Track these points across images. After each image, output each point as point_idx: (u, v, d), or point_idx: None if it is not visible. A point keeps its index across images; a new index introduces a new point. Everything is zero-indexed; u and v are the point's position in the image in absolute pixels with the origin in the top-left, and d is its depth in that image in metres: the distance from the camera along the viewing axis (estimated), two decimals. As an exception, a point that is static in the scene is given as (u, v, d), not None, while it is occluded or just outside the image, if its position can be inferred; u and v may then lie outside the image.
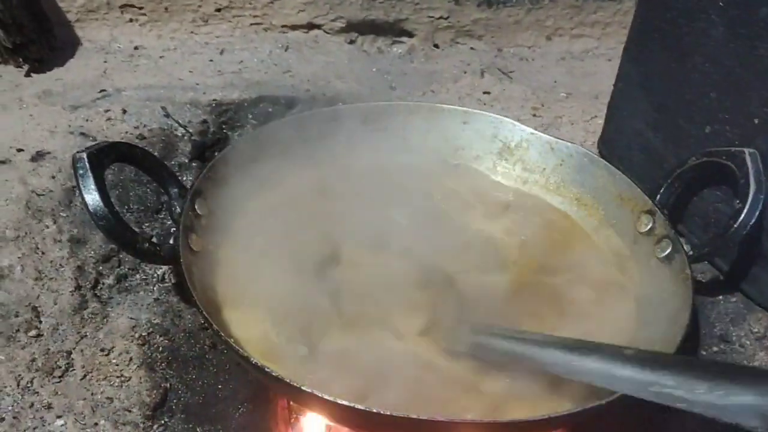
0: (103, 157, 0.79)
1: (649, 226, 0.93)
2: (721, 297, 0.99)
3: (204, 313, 0.72)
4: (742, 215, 0.85)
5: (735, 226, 0.86)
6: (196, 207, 0.88)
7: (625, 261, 0.95)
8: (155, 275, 0.95)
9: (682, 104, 1.01)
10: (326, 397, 0.64)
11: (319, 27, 1.50)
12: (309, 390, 0.65)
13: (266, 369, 0.67)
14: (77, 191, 0.77)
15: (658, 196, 0.95)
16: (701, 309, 0.96)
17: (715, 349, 0.92)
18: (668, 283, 0.87)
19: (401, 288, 0.87)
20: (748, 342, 0.92)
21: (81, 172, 0.76)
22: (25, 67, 1.29)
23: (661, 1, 1.02)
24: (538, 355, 0.72)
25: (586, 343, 0.71)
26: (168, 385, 0.82)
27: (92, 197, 0.76)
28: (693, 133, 1.00)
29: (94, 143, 0.81)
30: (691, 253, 0.87)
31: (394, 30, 1.52)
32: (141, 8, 1.41)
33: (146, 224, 1.03)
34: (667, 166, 1.01)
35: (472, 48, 1.56)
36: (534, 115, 1.36)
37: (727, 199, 0.95)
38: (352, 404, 0.64)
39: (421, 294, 0.87)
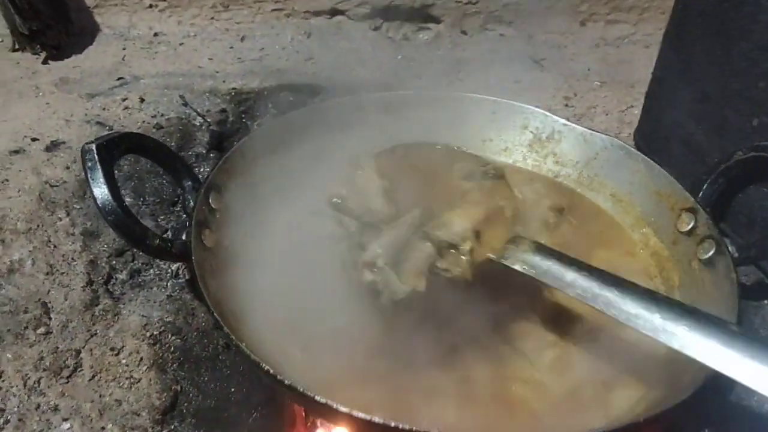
0: (113, 148, 0.75)
1: (690, 226, 0.87)
2: (766, 301, 0.93)
3: (215, 314, 0.69)
4: (793, 216, 0.79)
5: (784, 227, 0.79)
6: (210, 201, 0.84)
7: (664, 262, 0.90)
8: (169, 270, 0.92)
9: (728, 94, 0.94)
10: (341, 408, 0.60)
11: (342, 13, 1.45)
12: (323, 401, 0.61)
13: (278, 377, 0.63)
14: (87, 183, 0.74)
15: (701, 193, 0.89)
16: (744, 314, 0.90)
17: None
18: (711, 287, 0.81)
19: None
20: (795, 350, 0.86)
21: (90, 164, 0.73)
22: (42, 54, 1.27)
23: (706, -16, 0.96)
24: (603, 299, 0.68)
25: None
26: (179, 387, 0.78)
27: (101, 190, 0.72)
28: (739, 125, 0.93)
29: (104, 134, 0.77)
30: (736, 255, 0.81)
31: (421, 16, 1.47)
32: (161, -7, 1.38)
33: (162, 217, 1.00)
34: (710, 161, 0.95)
35: (501, 34, 1.51)
36: (566, 105, 1.31)
37: (776, 197, 0.89)
38: (368, 417, 0.60)
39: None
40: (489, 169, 0.86)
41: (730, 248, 0.81)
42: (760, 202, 0.91)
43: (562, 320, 0.82)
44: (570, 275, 0.71)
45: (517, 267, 0.74)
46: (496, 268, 0.75)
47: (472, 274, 0.73)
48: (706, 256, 0.83)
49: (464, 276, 0.73)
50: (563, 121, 1.04)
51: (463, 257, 0.73)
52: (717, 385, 0.63)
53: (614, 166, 0.99)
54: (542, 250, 0.75)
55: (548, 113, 1.05)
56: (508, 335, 0.80)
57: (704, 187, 0.89)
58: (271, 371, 0.64)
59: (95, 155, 0.73)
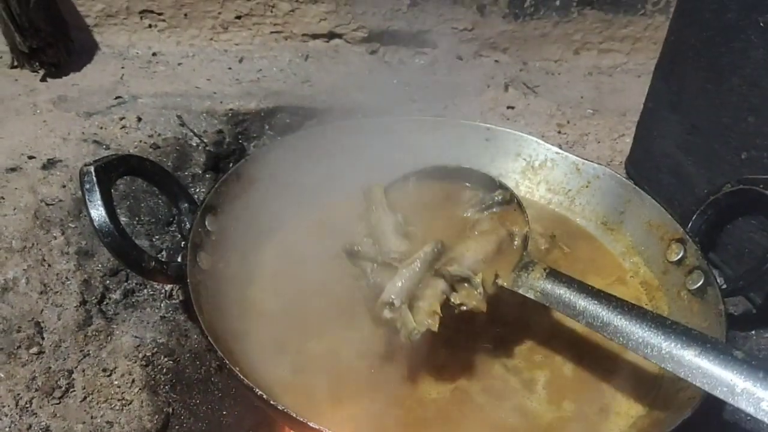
0: (112, 170, 0.76)
1: (679, 256, 0.88)
2: (753, 332, 0.94)
3: (210, 338, 0.69)
4: (780, 249, 0.80)
5: (772, 260, 0.81)
6: (206, 223, 0.85)
7: (654, 291, 0.91)
8: (163, 291, 0.92)
9: (717, 127, 0.96)
10: (334, 435, 0.61)
11: (340, 36, 1.47)
12: (316, 426, 0.61)
13: (272, 402, 0.64)
14: (84, 204, 0.74)
15: (690, 224, 0.90)
16: (733, 344, 0.90)
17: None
18: (700, 317, 0.83)
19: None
20: (782, 381, 0.87)
21: (87, 186, 0.73)
22: (41, 72, 1.27)
23: (696, 19, 0.98)
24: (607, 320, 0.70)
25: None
26: (170, 409, 0.78)
27: (98, 213, 0.73)
28: (728, 158, 0.95)
29: (102, 156, 0.78)
30: (724, 286, 0.83)
31: (417, 41, 1.48)
32: (160, 14, 1.39)
33: (157, 237, 1.01)
34: (699, 192, 0.96)
35: (496, 61, 1.53)
36: (559, 132, 1.32)
37: (764, 229, 0.90)
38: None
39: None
40: (498, 195, 0.87)
41: (718, 279, 0.82)
42: (748, 233, 0.93)
43: (555, 341, 0.83)
44: (581, 303, 0.72)
45: (529, 295, 0.75)
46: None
47: (487, 306, 0.75)
48: (695, 287, 0.84)
49: (480, 309, 0.74)
50: (556, 149, 1.06)
51: (477, 291, 0.74)
52: (712, 403, 0.65)
53: (605, 195, 1.00)
54: (554, 276, 0.76)
55: (541, 141, 1.07)
56: (501, 353, 0.82)
57: (693, 217, 0.91)
58: (265, 396, 0.64)
59: (93, 177, 0.73)
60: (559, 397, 0.78)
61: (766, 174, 0.87)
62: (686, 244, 0.88)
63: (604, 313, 0.71)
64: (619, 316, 0.70)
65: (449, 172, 0.91)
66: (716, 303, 0.80)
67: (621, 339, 0.69)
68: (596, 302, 0.72)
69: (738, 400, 0.60)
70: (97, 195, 0.73)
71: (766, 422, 0.58)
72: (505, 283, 0.76)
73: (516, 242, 0.82)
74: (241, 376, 0.66)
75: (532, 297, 0.75)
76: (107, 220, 0.73)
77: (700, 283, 0.84)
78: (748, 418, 0.79)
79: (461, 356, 0.79)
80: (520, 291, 0.76)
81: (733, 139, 0.93)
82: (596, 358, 0.81)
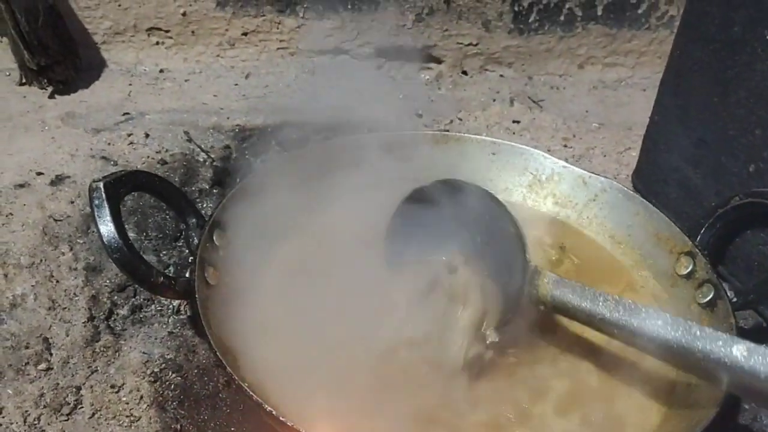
0: (120, 186, 0.76)
1: (689, 269, 0.88)
2: (763, 345, 0.93)
3: (218, 353, 0.69)
4: (790, 262, 0.80)
5: (782, 273, 0.80)
6: (214, 238, 0.85)
7: (663, 304, 0.90)
8: (170, 306, 0.92)
9: (725, 140, 0.96)
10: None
11: (346, 52, 1.48)
12: (326, 442, 0.61)
13: (281, 418, 0.63)
14: (93, 220, 0.75)
15: (699, 237, 0.90)
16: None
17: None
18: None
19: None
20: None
21: (96, 202, 0.73)
22: (49, 89, 1.28)
23: (702, 33, 0.98)
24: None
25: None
26: (179, 426, 0.78)
27: (107, 228, 0.73)
28: (735, 171, 0.95)
29: (111, 172, 0.78)
30: (734, 299, 0.82)
31: (422, 56, 1.49)
32: (167, 31, 1.40)
33: (164, 252, 1.01)
34: (707, 205, 0.96)
35: (501, 75, 1.53)
36: (565, 146, 1.32)
37: (773, 242, 0.90)
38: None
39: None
40: None
41: (728, 293, 0.82)
42: (757, 246, 0.92)
43: (576, 350, 0.83)
44: (588, 306, 0.74)
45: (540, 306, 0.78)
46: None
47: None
48: (705, 300, 0.84)
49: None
50: (562, 162, 1.06)
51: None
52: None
53: (613, 209, 1.00)
54: (560, 283, 0.77)
55: (547, 155, 1.07)
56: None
57: (702, 231, 0.91)
58: (275, 413, 0.64)
59: (102, 193, 0.73)
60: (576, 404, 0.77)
61: (774, 187, 0.87)
62: (695, 257, 0.87)
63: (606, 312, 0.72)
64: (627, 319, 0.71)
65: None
66: (727, 317, 0.79)
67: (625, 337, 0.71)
68: (605, 304, 0.73)
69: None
70: (106, 211, 0.73)
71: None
72: None
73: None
74: (251, 392, 0.65)
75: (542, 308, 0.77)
76: (116, 235, 0.73)
77: (710, 296, 0.83)
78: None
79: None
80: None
81: (741, 151, 0.93)
82: (607, 368, 0.81)
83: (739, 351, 0.64)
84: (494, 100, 1.45)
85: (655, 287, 0.92)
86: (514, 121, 1.38)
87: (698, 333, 0.67)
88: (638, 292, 0.93)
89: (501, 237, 0.83)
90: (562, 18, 1.46)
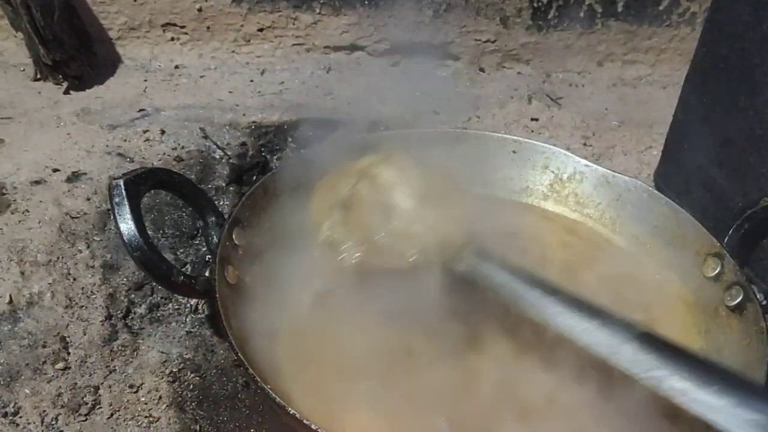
0: (141, 183, 0.75)
1: (716, 271, 0.86)
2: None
3: (240, 355, 0.68)
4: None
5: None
6: (233, 237, 0.84)
7: (690, 308, 0.89)
8: (188, 305, 0.91)
9: (752, 140, 0.94)
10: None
11: (362, 49, 1.46)
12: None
13: (305, 421, 0.62)
14: (112, 218, 0.74)
15: (726, 239, 0.88)
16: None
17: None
18: (739, 334, 0.80)
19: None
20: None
21: (117, 199, 0.72)
22: (65, 85, 1.27)
23: (729, 31, 0.96)
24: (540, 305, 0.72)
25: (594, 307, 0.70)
26: (198, 427, 0.77)
27: (128, 226, 0.72)
28: (762, 171, 0.93)
29: (130, 169, 0.77)
30: (764, 302, 0.80)
31: (439, 53, 1.48)
32: (183, 27, 1.39)
33: (181, 250, 1.00)
34: (733, 206, 0.94)
35: (519, 72, 1.51)
36: (585, 144, 1.30)
37: (802, 244, 0.88)
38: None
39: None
40: None
41: (758, 295, 0.80)
42: (786, 248, 0.90)
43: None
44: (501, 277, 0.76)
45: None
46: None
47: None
48: (734, 303, 0.82)
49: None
50: (585, 161, 1.04)
51: None
52: None
53: (637, 209, 0.98)
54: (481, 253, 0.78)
55: (569, 153, 1.05)
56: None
57: (730, 232, 0.89)
58: (298, 416, 0.63)
59: (123, 190, 0.72)
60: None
61: (804, 187, 0.85)
62: (723, 258, 0.86)
63: (523, 289, 0.74)
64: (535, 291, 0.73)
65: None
66: (757, 320, 0.78)
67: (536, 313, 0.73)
68: (517, 279, 0.75)
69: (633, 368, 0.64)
70: (127, 208, 0.72)
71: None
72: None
73: None
74: (273, 395, 0.64)
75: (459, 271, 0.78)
76: (137, 233, 0.72)
77: (740, 299, 0.81)
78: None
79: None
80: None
81: (769, 151, 0.91)
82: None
83: None
84: (512, 98, 1.43)
85: (681, 290, 0.91)
86: (532, 119, 1.36)
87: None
88: (664, 294, 0.91)
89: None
90: (581, 14, 1.44)
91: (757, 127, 0.93)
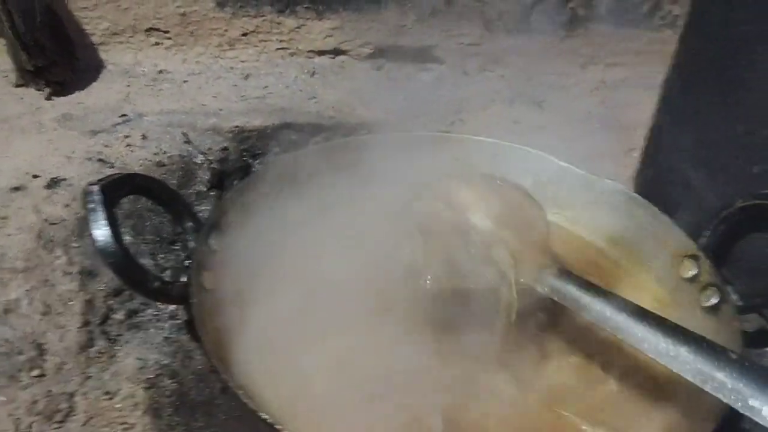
0: (116, 189, 0.75)
1: (693, 273, 0.87)
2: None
3: (213, 360, 0.68)
4: (796, 265, 0.79)
5: (788, 277, 0.79)
6: (210, 242, 0.84)
7: (666, 309, 0.89)
8: (167, 311, 0.91)
9: (729, 141, 0.95)
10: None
11: (346, 53, 1.46)
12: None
13: (276, 426, 0.62)
14: (88, 224, 0.74)
15: (703, 240, 0.89)
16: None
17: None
18: (713, 334, 0.80)
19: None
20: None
21: (91, 206, 0.72)
22: (46, 90, 1.26)
23: (707, 33, 0.97)
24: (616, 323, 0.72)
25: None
26: (174, 433, 0.77)
27: (102, 233, 0.72)
28: (740, 172, 0.93)
29: (107, 174, 0.77)
30: (740, 303, 0.81)
31: (423, 56, 1.48)
32: (167, 32, 1.39)
33: (161, 256, 1.00)
34: (711, 207, 0.95)
35: (501, 76, 1.51)
36: (566, 147, 1.30)
37: (778, 245, 0.89)
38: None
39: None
40: None
41: (733, 296, 0.81)
42: (762, 249, 0.91)
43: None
44: (588, 300, 0.74)
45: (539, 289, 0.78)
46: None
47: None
48: (710, 304, 0.83)
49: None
50: (564, 164, 1.05)
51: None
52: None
53: (615, 211, 0.99)
54: (565, 274, 0.78)
55: (549, 156, 1.06)
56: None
57: (706, 233, 0.89)
58: (269, 420, 0.63)
59: (97, 197, 0.72)
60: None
61: (779, 188, 0.86)
62: (700, 260, 0.86)
63: (608, 311, 0.72)
64: (621, 314, 0.72)
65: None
66: (731, 320, 0.79)
67: (622, 335, 0.71)
68: (602, 300, 0.73)
69: (727, 396, 0.62)
70: (101, 215, 0.72)
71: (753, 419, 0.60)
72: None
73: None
74: (245, 400, 0.64)
75: (541, 292, 0.77)
76: (111, 240, 0.71)
77: (716, 300, 0.82)
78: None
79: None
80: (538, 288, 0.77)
81: (745, 152, 0.92)
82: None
83: None
84: (494, 101, 1.43)
85: (657, 291, 0.91)
86: (514, 122, 1.37)
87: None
88: (640, 295, 0.91)
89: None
90: (564, 18, 1.45)
91: (733, 128, 0.94)
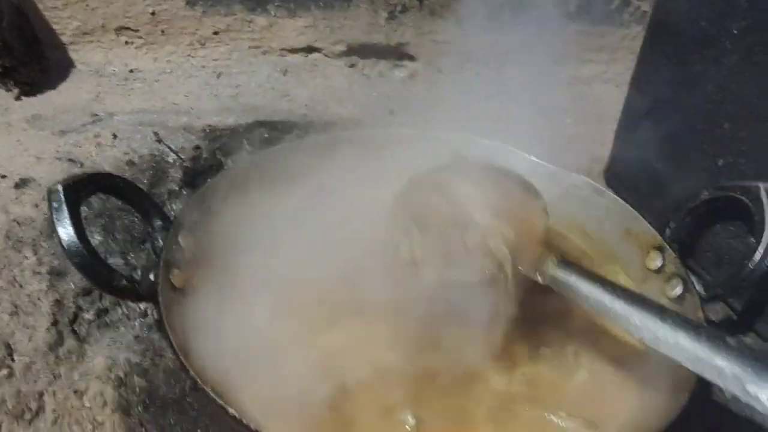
0: (81, 188, 0.75)
1: (659, 264, 0.88)
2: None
3: (180, 356, 0.68)
4: (758, 254, 0.80)
5: (751, 266, 0.80)
6: (179, 240, 0.84)
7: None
8: (137, 310, 0.91)
9: (693, 135, 0.96)
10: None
11: (319, 50, 1.46)
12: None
13: (244, 421, 0.62)
14: (53, 224, 0.73)
15: (669, 232, 0.90)
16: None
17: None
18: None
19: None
20: (765, 388, 0.86)
21: (55, 205, 0.72)
22: (15, 91, 1.25)
23: (671, 29, 0.98)
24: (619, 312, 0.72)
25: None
26: (144, 430, 0.77)
27: (66, 232, 0.71)
28: (704, 165, 0.95)
29: (73, 174, 0.77)
30: (703, 293, 0.82)
31: (396, 54, 1.49)
32: (137, 31, 1.38)
33: (131, 255, 0.99)
34: (677, 200, 0.96)
35: (476, 73, 1.52)
36: (539, 142, 1.32)
37: (741, 236, 0.90)
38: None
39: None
40: None
41: (697, 287, 0.82)
42: (726, 240, 0.92)
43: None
44: (587, 289, 0.75)
45: (539, 280, 0.78)
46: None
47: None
48: (675, 294, 0.84)
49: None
50: (534, 158, 1.06)
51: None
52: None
53: (584, 204, 1.00)
54: (565, 264, 0.78)
55: (519, 151, 1.07)
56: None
57: (672, 225, 0.91)
58: (237, 416, 0.63)
59: (61, 195, 0.72)
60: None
61: (742, 180, 0.87)
62: (665, 251, 0.88)
63: (607, 299, 0.73)
64: (620, 302, 0.72)
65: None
66: (695, 310, 0.80)
67: (622, 323, 0.71)
68: (602, 289, 0.74)
69: (726, 382, 0.63)
70: (65, 214, 0.71)
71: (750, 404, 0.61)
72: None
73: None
74: (213, 395, 0.64)
75: (541, 282, 0.78)
76: (75, 239, 0.71)
77: (680, 290, 0.83)
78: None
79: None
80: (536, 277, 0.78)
81: (709, 146, 0.93)
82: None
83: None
84: (468, 98, 1.44)
85: (626, 281, 0.92)
86: (488, 119, 1.37)
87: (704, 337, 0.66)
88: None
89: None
90: (536, 15, 1.46)
91: (698, 122, 0.95)
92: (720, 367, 0.63)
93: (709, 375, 0.64)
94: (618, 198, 0.96)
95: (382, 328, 0.82)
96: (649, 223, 0.91)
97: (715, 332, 0.66)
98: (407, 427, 0.74)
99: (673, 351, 0.67)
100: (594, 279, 0.75)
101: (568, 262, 0.78)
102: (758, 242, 0.81)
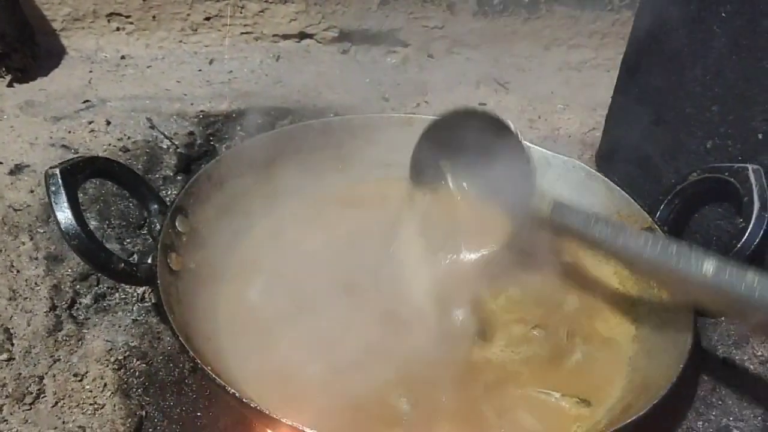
0: (78, 172, 0.75)
1: (648, 245, 0.89)
2: (723, 318, 0.95)
3: (180, 338, 0.69)
4: (746, 235, 0.82)
5: (739, 246, 0.82)
6: (176, 224, 0.84)
7: (625, 280, 0.92)
8: (135, 294, 0.91)
9: (682, 118, 0.97)
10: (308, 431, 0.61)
11: (311, 36, 1.47)
12: (290, 423, 0.61)
13: (244, 400, 0.63)
14: (50, 208, 0.73)
15: (658, 213, 0.92)
16: (703, 331, 0.92)
17: (718, 373, 0.87)
18: (669, 303, 0.84)
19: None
20: (752, 366, 0.88)
21: (53, 188, 0.72)
22: (8, 77, 1.25)
23: (659, 12, 0.99)
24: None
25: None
26: (144, 413, 0.78)
27: (64, 215, 0.72)
28: (693, 148, 0.96)
29: (69, 158, 0.77)
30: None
31: (388, 40, 1.49)
32: (128, 17, 1.38)
33: (128, 240, 1.00)
34: (667, 182, 0.98)
35: (467, 58, 1.53)
36: (531, 127, 1.33)
37: (730, 217, 0.92)
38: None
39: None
40: None
41: (686, 267, 0.83)
42: (714, 221, 0.94)
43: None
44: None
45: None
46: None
47: None
48: (664, 275, 0.86)
49: None
50: (526, 143, 1.06)
51: None
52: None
53: (576, 188, 1.01)
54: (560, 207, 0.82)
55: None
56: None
57: (661, 207, 0.92)
58: (237, 394, 0.64)
59: (59, 179, 0.72)
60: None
61: (731, 162, 0.88)
62: (655, 233, 0.89)
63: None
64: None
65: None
66: (684, 290, 0.81)
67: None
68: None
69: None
70: (63, 197, 0.72)
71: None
72: None
73: None
74: (213, 375, 0.65)
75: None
76: (74, 222, 0.72)
77: (668, 271, 0.85)
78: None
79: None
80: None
81: (698, 128, 0.95)
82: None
83: (708, 267, 0.67)
84: (460, 83, 1.45)
85: (616, 264, 0.94)
86: (480, 104, 1.39)
87: (674, 250, 0.70)
88: (601, 268, 0.94)
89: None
90: (526, 0, 1.47)
91: (686, 105, 0.96)
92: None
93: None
94: (609, 181, 0.97)
95: (376, 309, 0.82)
96: (640, 205, 0.92)
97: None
98: (403, 407, 0.75)
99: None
100: (586, 213, 0.80)
101: (563, 203, 0.83)
102: (746, 223, 0.83)
